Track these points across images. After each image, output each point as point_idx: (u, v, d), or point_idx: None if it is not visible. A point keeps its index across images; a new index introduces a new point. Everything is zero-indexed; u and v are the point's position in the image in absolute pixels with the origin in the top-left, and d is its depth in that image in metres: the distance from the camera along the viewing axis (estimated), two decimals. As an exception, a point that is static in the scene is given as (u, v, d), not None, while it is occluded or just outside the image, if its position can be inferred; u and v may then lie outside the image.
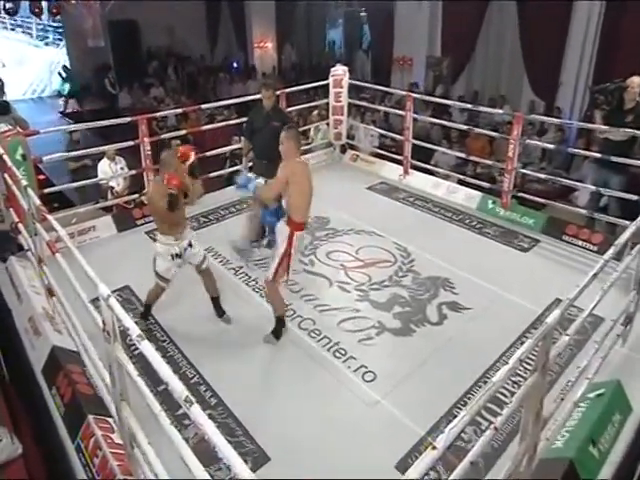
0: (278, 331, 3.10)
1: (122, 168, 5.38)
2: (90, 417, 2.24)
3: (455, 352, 3.00)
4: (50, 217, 2.62)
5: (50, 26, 12.63)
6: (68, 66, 12.27)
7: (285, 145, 2.90)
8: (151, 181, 2.88)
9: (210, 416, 1.37)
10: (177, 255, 3.00)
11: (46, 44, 13.01)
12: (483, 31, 9.08)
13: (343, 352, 3.02)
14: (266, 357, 3.00)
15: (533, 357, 1.82)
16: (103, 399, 2.26)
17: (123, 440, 1.96)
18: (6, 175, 3.64)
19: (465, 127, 5.56)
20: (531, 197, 4.65)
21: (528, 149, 6.68)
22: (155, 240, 3.06)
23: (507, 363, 1.62)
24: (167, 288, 3.09)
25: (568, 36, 7.67)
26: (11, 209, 3.83)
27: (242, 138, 4.54)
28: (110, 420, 2.22)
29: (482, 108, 5.75)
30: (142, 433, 1.83)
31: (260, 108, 4.07)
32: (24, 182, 3.04)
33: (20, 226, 3.66)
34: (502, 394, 2.62)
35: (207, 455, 1.72)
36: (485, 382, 2.73)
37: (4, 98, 4.89)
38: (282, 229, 2.94)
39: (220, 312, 3.28)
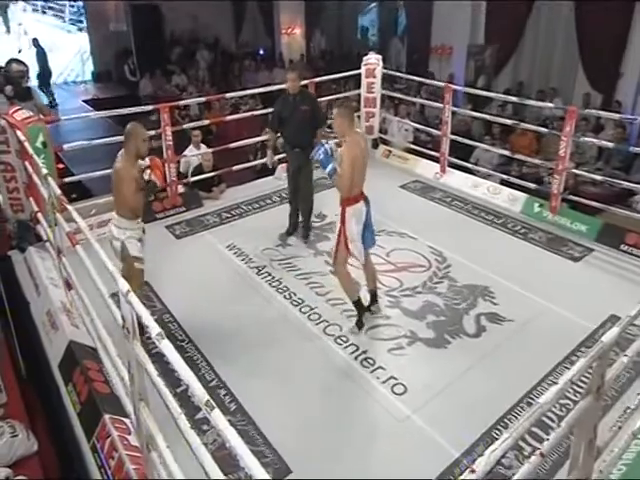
0: (359, 319, 3.20)
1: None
2: (106, 417, 2.30)
3: (494, 368, 2.95)
4: (70, 207, 2.70)
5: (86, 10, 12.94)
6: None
7: (337, 122, 3.01)
8: (120, 155, 2.90)
9: (229, 423, 1.38)
10: (139, 240, 3.01)
11: (79, 29, 13.32)
12: (533, 17, 8.85)
13: (371, 361, 3.01)
14: (289, 363, 3.01)
15: (586, 379, 1.77)
16: (120, 399, 2.31)
17: (140, 443, 2.01)
18: (26, 163, 3.78)
19: (510, 122, 5.44)
20: (584, 201, 4.49)
21: (582, 147, 6.48)
22: (120, 227, 2.94)
23: (554, 383, 1.59)
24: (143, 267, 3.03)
25: (633, 20, 7.34)
26: (31, 198, 3.98)
27: (267, 129, 4.58)
28: (127, 421, 2.28)
29: (530, 101, 5.60)
30: (161, 436, 1.86)
31: (286, 96, 4.14)
32: (44, 170, 3.16)
33: (39, 216, 3.79)
34: (548, 417, 2.56)
35: (226, 463, 1.75)
36: (529, 403, 2.67)
37: (28, 84, 5.07)
38: (338, 210, 3.11)
39: None
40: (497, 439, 1.42)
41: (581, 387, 1.75)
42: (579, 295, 3.54)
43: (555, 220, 4.51)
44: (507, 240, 4.33)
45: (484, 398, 2.73)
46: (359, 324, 3.21)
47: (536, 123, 6.55)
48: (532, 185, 4.88)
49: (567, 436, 1.82)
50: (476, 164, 6.11)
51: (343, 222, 3.04)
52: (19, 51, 11.43)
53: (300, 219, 4.35)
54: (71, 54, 13.51)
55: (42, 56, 11.42)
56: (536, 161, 5.26)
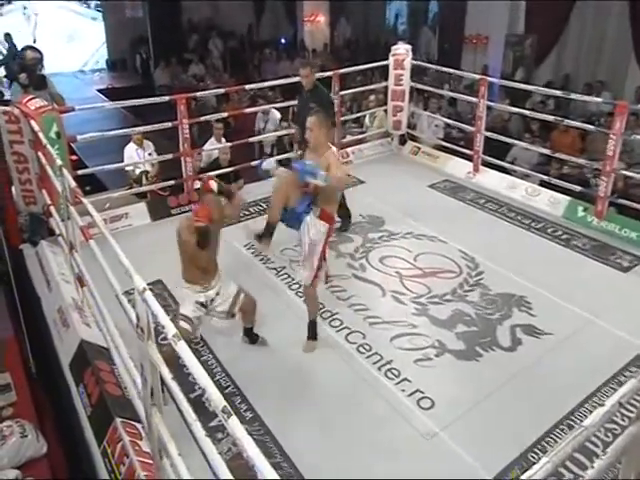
0: (314, 335, 3.18)
1: (150, 154, 5.57)
2: (118, 420, 2.34)
3: (531, 385, 2.89)
4: (85, 200, 2.76)
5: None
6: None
7: (315, 132, 2.89)
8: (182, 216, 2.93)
9: (246, 431, 1.38)
10: (202, 305, 2.85)
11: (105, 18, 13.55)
12: (579, 3, 8.68)
13: (396, 373, 2.99)
14: (309, 370, 3.02)
15: (636, 402, 1.72)
16: (132, 402, 2.35)
17: (152, 449, 2.03)
18: (40, 154, 3.87)
19: (552, 118, 5.34)
20: (635, 205, 4.34)
21: (631, 146, 6.30)
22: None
23: (599, 405, 1.55)
24: (193, 335, 2.85)
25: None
26: (44, 190, 4.07)
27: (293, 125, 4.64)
28: (138, 426, 2.31)
29: (575, 95, 5.45)
30: (173, 443, 1.88)
31: (302, 91, 4.18)
32: (59, 162, 3.23)
33: (52, 209, 3.88)
34: (593, 443, 2.49)
35: (241, 473, 1.75)
36: (570, 426, 2.61)
37: (42, 72, 5.20)
38: (317, 225, 2.93)
39: (253, 339, 3.19)
40: (534, 463, 1.39)
41: (630, 411, 1.69)
42: (628, 309, 3.45)
43: (601, 226, 4.41)
44: (547, 247, 4.25)
45: (519, 417, 2.69)
46: (314, 336, 3.19)
47: (581, 120, 6.42)
48: (576, 187, 4.78)
49: (614, 464, 1.77)
50: (512, 163, 6.00)
51: (327, 243, 3.01)
52: (34, 40, 11.70)
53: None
54: (97, 43, 13.67)
55: (10, 54, 10.60)
56: (581, 161, 5.14)
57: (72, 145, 4.69)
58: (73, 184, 2.97)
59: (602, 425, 1.74)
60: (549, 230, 4.48)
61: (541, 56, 9.36)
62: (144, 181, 5.46)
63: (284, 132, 6.06)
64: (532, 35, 9.39)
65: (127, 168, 5.51)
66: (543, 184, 5.09)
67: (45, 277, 3.68)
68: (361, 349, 3.17)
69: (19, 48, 4.99)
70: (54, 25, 12.67)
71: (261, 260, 4.07)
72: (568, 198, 4.73)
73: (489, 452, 2.50)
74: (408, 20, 13.34)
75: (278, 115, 6.84)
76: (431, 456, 2.52)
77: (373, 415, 2.75)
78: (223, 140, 5.40)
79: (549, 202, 4.80)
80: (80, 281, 3.19)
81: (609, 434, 2.53)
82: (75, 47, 12.56)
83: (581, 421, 1.52)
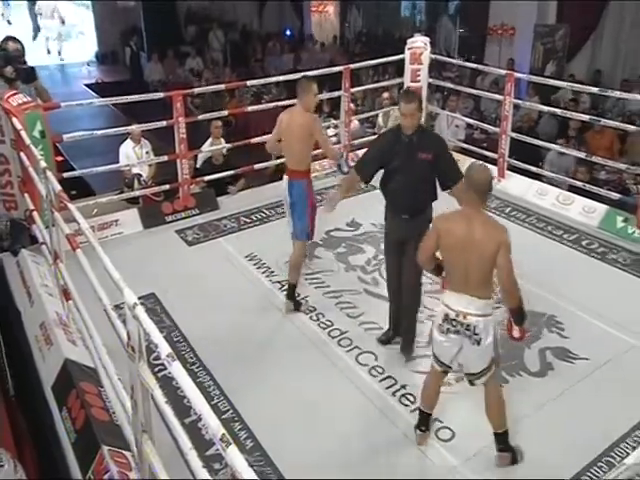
0: (291, 296, 3.64)
1: (147, 153, 5.63)
2: (105, 448, 2.34)
3: (563, 415, 2.86)
4: (72, 206, 2.79)
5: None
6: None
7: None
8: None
9: (246, 462, 1.39)
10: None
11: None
12: (618, -11, 8.69)
13: (412, 399, 2.98)
14: (315, 395, 3.01)
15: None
16: (121, 428, 2.35)
17: (142, 480, 2.04)
18: (22, 155, 3.92)
19: (586, 117, 5.33)
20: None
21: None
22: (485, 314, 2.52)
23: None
24: None
25: None
26: (26, 194, 4.12)
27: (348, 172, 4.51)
28: (128, 454, 2.31)
29: (614, 92, 5.44)
30: (166, 474, 1.88)
31: (398, 133, 3.63)
32: (43, 163, 3.27)
33: (35, 215, 3.92)
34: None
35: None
36: (609, 463, 2.55)
37: (27, 64, 5.25)
38: (303, 185, 3.51)
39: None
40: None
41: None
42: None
43: (644, 238, 4.39)
44: (581, 261, 4.24)
45: (549, 451, 2.65)
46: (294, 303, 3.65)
47: (619, 119, 6.40)
48: (615, 195, 4.76)
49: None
50: (542, 167, 5.98)
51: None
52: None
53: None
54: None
55: None
56: (620, 165, 5.12)
57: (58, 145, 4.75)
58: (58, 188, 3.00)
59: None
60: (584, 242, 4.46)
61: (574, 49, 9.35)
62: (136, 185, 5.51)
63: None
64: (564, 25, 9.37)
65: (123, 168, 5.55)
66: (576, 191, 5.04)
67: (26, 289, 3.70)
68: (373, 372, 3.17)
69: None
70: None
71: (263, 273, 4.09)
72: (606, 207, 4.70)
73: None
74: (426, 10, 13.44)
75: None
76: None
77: (386, 446, 2.73)
78: (222, 140, 5.45)
79: (584, 211, 4.78)
80: (65, 294, 3.21)
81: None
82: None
83: (622, 458, 1.50)
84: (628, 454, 1.47)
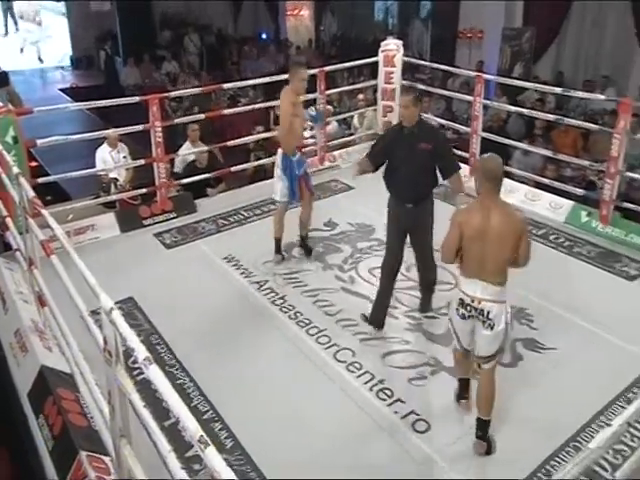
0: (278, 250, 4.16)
1: (125, 157, 5.56)
2: (83, 454, 2.30)
3: (533, 403, 2.92)
4: (45, 212, 2.74)
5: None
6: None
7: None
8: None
9: (226, 461, 1.39)
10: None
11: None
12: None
13: (389, 393, 3.00)
14: (294, 393, 3.01)
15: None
16: (99, 433, 2.32)
17: (121, 485, 2.01)
18: (-5, 161, 3.83)
19: (552, 117, 5.44)
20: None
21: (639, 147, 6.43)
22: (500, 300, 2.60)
23: (606, 425, 1.58)
24: None
25: None
26: (-1, 201, 4.03)
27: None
28: (106, 459, 2.28)
29: (578, 92, 5.56)
30: (145, 477, 1.87)
31: (398, 128, 3.70)
32: (16, 169, 3.21)
33: (8, 221, 3.84)
34: (600, 466, 2.50)
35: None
36: (576, 448, 2.62)
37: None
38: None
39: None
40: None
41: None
42: (635, 320, 3.49)
43: (606, 232, 4.48)
44: (548, 255, 4.30)
45: (520, 439, 2.70)
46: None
47: (581, 118, 6.55)
48: (579, 190, 4.85)
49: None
50: (510, 165, 6.06)
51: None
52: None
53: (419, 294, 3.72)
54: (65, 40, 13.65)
55: None
56: (583, 162, 5.24)
57: (31, 150, 4.66)
58: (32, 194, 2.95)
59: (610, 447, 1.77)
60: (551, 237, 4.55)
61: (540, 51, 9.53)
62: (112, 189, 5.43)
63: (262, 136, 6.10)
64: (530, 28, 9.55)
65: (99, 173, 5.46)
66: (542, 187, 5.13)
67: (1, 296, 3.63)
68: (351, 367, 3.18)
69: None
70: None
71: (242, 274, 4.07)
72: (571, 203, 4.80)
73: (489, 476, 2.52)
74: (398, 14, 13.55)
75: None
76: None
77: (364, 440, 2.75)
78: (200, 144, 5.41)
79: (550, 207, 4.87)
80: (41, 301, 3.15)
81: (618, 456, 2.54)
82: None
83: (587, 442, 1.54)
84: (592, 437, 1.51)
